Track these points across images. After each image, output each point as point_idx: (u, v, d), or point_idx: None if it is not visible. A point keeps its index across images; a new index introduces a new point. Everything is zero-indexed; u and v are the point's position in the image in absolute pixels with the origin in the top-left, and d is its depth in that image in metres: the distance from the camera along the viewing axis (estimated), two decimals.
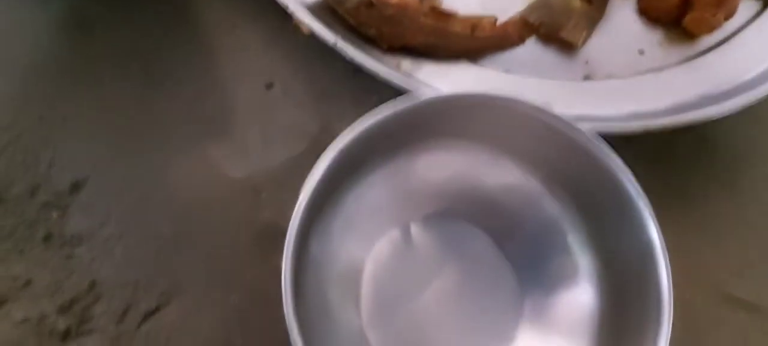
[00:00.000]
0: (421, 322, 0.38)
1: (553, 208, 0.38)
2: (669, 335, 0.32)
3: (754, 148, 0.48)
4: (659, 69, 0.46)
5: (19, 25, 0.46)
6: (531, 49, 0.46)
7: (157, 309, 0.39)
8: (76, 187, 0.41)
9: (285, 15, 0.43)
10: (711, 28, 0.46)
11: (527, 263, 0.39)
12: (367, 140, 0.35)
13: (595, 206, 0.37)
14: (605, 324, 0.36)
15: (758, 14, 0.48)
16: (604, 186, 0.35)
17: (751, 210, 0.47)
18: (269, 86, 0.45)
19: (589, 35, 0.46)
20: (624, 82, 0.45)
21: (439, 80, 0.43)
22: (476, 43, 0.44)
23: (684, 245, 0.45)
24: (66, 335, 0.38)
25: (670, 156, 0.46)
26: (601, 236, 0.37)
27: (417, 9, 0.42)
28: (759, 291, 0.44)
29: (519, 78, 0.44)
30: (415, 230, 0.40)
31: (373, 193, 0.38)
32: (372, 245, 0.39)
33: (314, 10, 0.43)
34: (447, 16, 0.43)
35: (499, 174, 0.39)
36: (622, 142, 0.35)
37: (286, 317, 0.30)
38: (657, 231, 0.33)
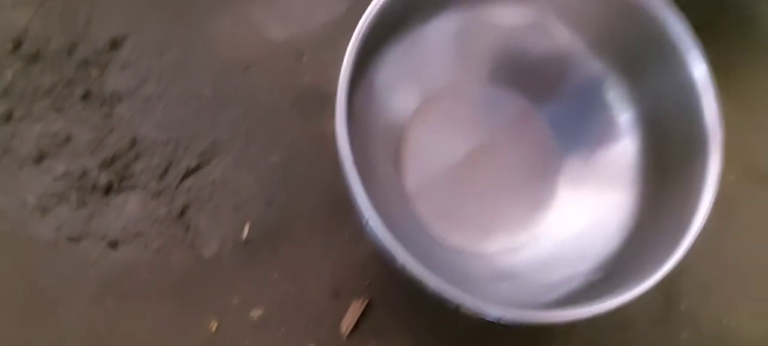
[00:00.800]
0: (459, 184, 0.38)
1: (595, 67, 0.37)
2: (720, 171, 0.32)
3: None
4: None
5: None
6: None
7: (198, 167, 0.38)
8: (114, 44, 0.40)
9: None
10: None
11: (568, 126, 0.38)
12: None
13: (638, 58, 0.36)
14: (649, 175, 0.35)
15: None
16: (649, 34, 0.34)
17: None
18: None
19: None
20: None
21: None
22: None
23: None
24: (108, 189, 0.38)
25: (714, 33, 0.45)
26: (644, 89, 0.36)
27: None
28: None
29: None
30: (457, 93, 0.39)
31: (414, 55, 0.37)
32: (414, 105, 0.38)
33: None
34: None
35: (545, 37, 0.38)
36: None
37: (343, 164, 0.29)
38: (706, 63, 0.33)
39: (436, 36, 0.37)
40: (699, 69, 0.33)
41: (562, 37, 0.37)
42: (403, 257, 0.29)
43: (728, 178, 0.42)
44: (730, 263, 0.41)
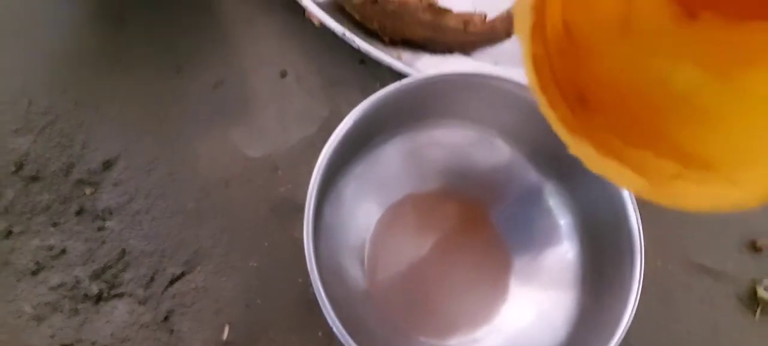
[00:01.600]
0: (421, 283, 0.41)
1: (535, 178, 0.42)
2: (642, 270, 0.35)
3: None
4: None
5: (59, 18, 0.48)
6: (517, 42, 0.50)
7: (182, 275, 0.42)
8: (107, 165, 0.44)
9: (298, 9, 0.46)
10: None
11: (515, 229, 0.42)
12: (375, 114, 0.37)
13: (570, 170, 0.40)
14: (587, 274, 0.39)
15: None
16: None
17: None
18: (283, 74, 0.47)
19: None
20: None
21: (436, 70, 0.47)
22: (468, 37, 0.47)
23: (655, 218, 0.48)
24: (99, 298, 0.40)
25: None
26: (579, 197, 0.40)
27: (416, 6, 0.45)
28: (723, 259, 0.48)
29: (506, 68, 0.49)
30: (415, 202, 0.43)
31: (376, 171, 0.42)
32: (378, 214, 0.42)
33: (324, 6, 0.46)
34: (442, 12, 0.46)
35: (489, 152, 0.42)
36: None
37: (311, 276, 0.33)
38: None
39: (393, 155, 0.42)
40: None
41: (503, 152, 0.42)
42: None
43: (668, 268, 0.47)
44: (675, 344, 0.45)
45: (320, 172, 0.35)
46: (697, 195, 0.24)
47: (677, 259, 0.47)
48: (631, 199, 0.37)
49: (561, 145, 0.41)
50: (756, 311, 0.47)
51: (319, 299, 0.33)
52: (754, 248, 0.49)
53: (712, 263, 0.48)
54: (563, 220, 0.41)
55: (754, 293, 0.47)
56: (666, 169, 0.25)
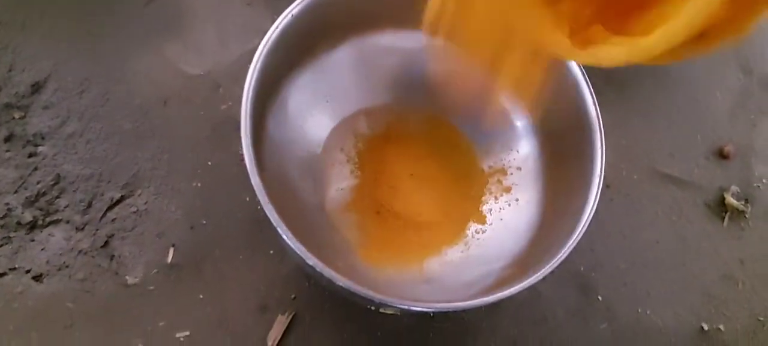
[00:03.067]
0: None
1: (489, 79, 0.40)
2: (603, 165, 0.35)
3: None
4: None
5: None
6: None
7: (121, 199, 0.40)
8: (36, 87, 0.42)
9: None
10: None
11: (474, 135, 0.42)
12: (318, 13, 0.37)
13: None
14: (548, 175, 0.39)
15: None
16: None
17: (680, 98, 0.50)
18: None
19: None
20: None
21: None
22: None
23: (622, 128, 0.48)
24: (33, 226, 0.39)
25: None
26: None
27: None
28: (689, 169, 0.48)
29: None
30: (369, 113, 0.42)
31: (324, 80, 0.40)
32: (329, 127, 0.41)
33: None
34: None
35: (441, 56, 0.41)
36: None
37: (255, 189, 0.31)
38: (582, 71, 0.36)
39: (343, 63, 0.41)
40: (578, 77, 0.37)
41: (455, 55, 0.41)
42: (311, 259, 0.31)
43: (634, 178, 0.47)
44: (641, 254, 0.45)
45: (256, 70, 0.34)
46: (611, 54, 0.25)
47: (643, 169, 0.47)
48: (592, 95, 0.36)
49: None
50: (724, 218, 0.47)
51: (267, 212, 0.31)
52: (721, 155, 0.49)
53: (678, 172, 0.48)
54: (521, 122, 0.41)
55: (722, 200, 0.48)
56: (595, 35, 0.26)
